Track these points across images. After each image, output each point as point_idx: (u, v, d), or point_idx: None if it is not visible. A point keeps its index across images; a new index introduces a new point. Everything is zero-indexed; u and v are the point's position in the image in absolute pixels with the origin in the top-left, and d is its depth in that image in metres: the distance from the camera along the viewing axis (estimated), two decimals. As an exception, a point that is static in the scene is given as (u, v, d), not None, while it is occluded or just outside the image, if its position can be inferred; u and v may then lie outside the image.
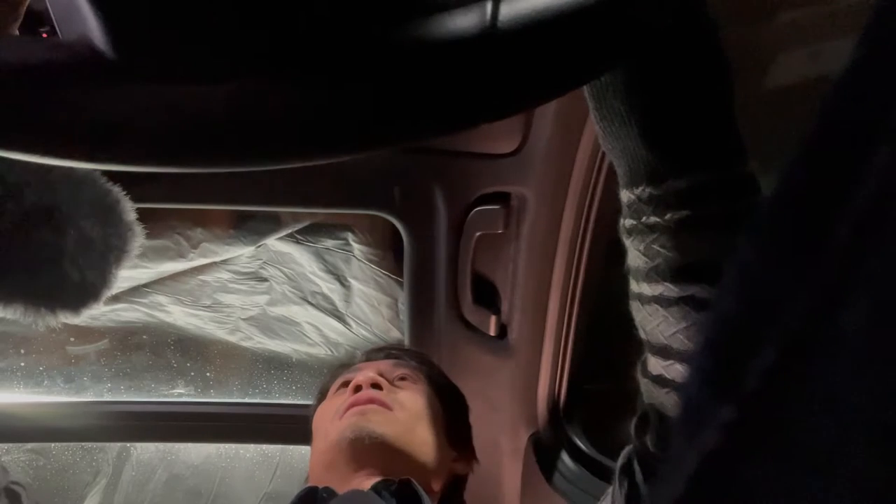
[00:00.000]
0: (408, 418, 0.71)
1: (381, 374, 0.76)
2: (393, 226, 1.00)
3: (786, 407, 0.14)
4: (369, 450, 0.66)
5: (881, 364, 0.12)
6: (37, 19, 0.38)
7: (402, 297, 1.18)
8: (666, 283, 0.41)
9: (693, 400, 0.16)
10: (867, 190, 0.13)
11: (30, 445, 1.60)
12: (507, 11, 0.27)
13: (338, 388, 0.79)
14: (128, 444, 1.71)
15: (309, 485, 0.67)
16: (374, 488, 0.63)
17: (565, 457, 1.02)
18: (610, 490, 0.49)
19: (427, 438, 0.72)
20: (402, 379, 0.79)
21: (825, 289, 0.13)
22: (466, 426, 0.84)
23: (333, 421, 0.71)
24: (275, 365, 1.47)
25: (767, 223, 0.16)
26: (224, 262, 1.33)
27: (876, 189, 0.12)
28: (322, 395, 0.83)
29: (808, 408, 0.13)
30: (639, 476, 0.45)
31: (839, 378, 0.13)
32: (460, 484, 0.80)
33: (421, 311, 1.05)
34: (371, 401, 0.71)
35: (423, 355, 0.91)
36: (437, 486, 0.72)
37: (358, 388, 0.73)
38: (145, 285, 1.34)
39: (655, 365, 0.43)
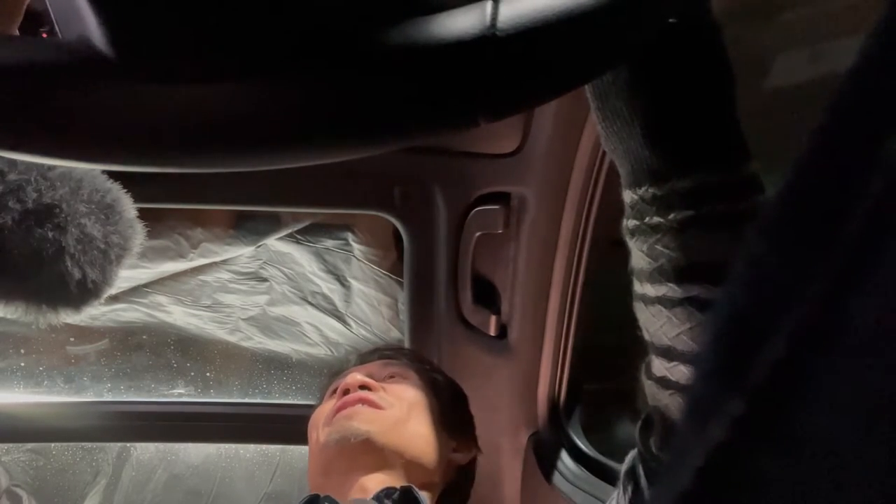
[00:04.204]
0: (398, 414, 0.71)
1: (370, 376, 0.77)
2: (393, 226, 1.00)
3: (794, 400, 0.14)
4: (357, 449, 0.67)
5: (892, 356, 0.12)
6: (37, 19, 0.38)
7: (402, 297, 1.18)
8: (670, 284, 0.40)
9: (700, 392, 0.16)
10: (878, 182, 0.13)
11: (30, 445, 1.60)
12: (506, 11, 0.27)
13: (329, 395, 0.80)
14: (128, 444, 1.71)
15: (311, 493, 0.67)
16: (376, 497, 0.63)
17: (565, 457, 1.02)
18: (614, 494, 0.49)
19: (420, 431, 0.72)
20: (392, 377, 0.79)
21: (836, 280, 0.13)
22: (465, 415, 0.84)
23: (323, 426, 0.71)
24: (275, 365, 1.47)
25: (777, 215, 0.16)
26: (224, 262, 1.33)
27: (887, 181, 0.12)
28: (320, 403, 0.83)
29: (818, 401, 0.13)
30: (643, 480, 0.45)
31: (849, 370, 0.13)
32: (466, 474, 0.80)
33: (421, 311, 1.05)
34: (359, 401, 0.71)
35: (415, 352, 0.91)
36: (435, 478, 0.73)
37: (347, 392, 0.73)
38: (145, 285, 1.34)
39: (659, 367, 0.43)
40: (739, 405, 0.14)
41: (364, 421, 0.69)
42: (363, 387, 0.74)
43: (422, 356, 0.90)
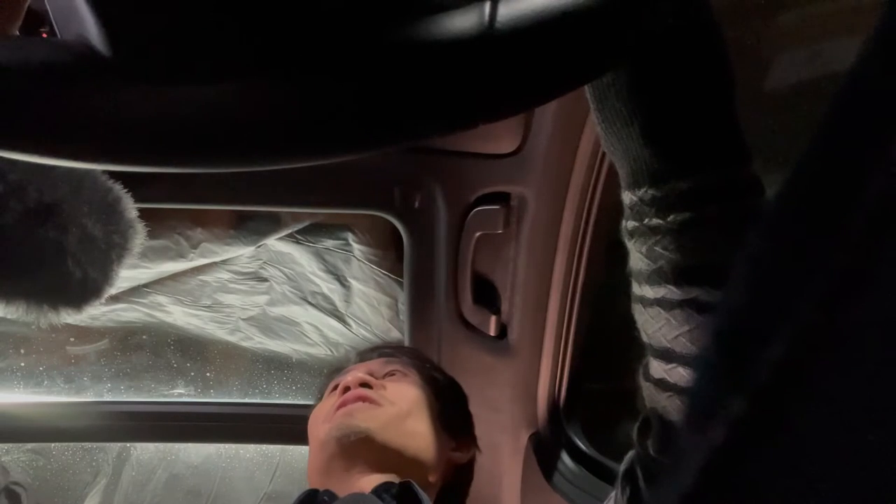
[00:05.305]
0: (396, 411, 0.71)
1: (370, 373, 0.77)
2: (393, 226, 1.00)
3: (796, 400, 0.14)
4: (356, 446, 0.67)
5: (893, 356, 0.12)
6: (37, 19, 0.38)
7: (402, 297, 1.18)
8: (668, 286, 0.40)
9: (701, 394, 0.16)
10: (878, 182, 0.12)
11: (30, 445, 1.60)
12: (505, 12, 0.27)
13: (329, 392, 0.80)
14: (128, 444, 1.71)
15: (310, 488, 0.67)
16: (375, 491, 0.63)
17: (565, 457, 1.02)
18: (612, 494, 0.49)
19: (419, 429, 0.72)
20: (392, 374, 0.79)
21: (837, 281, 0.13)
22: (464, 414, 0.84)
23: (324, 423, 0.71)
24: (275, 365, 1.47)
25: (778, 215, 0.16)
26: (224, 262, 1.33)
27: (887, 181, 0.12)
28: (319, 400, 0.83)
29: (819, 401, 0.13)
30: (641, 481, 0.45)
31: (851, 371, 0.13)
32: (465, 474, 0.80)
33: (421, 311, 1.05)
34: (359, 399, 0.71)
35: (415, 351, 0.91)
36: (434, 477, 0.72)
37: (347, 390, 0.73)
38: (145, 285, 1.34)
39: (657, 368, 0.42)
40: (741, 406, 0.14)
41: (364, 418, 0.69)
42: (364, 385, 0.74)
43: (422, 354, 0.90)
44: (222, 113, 0.28)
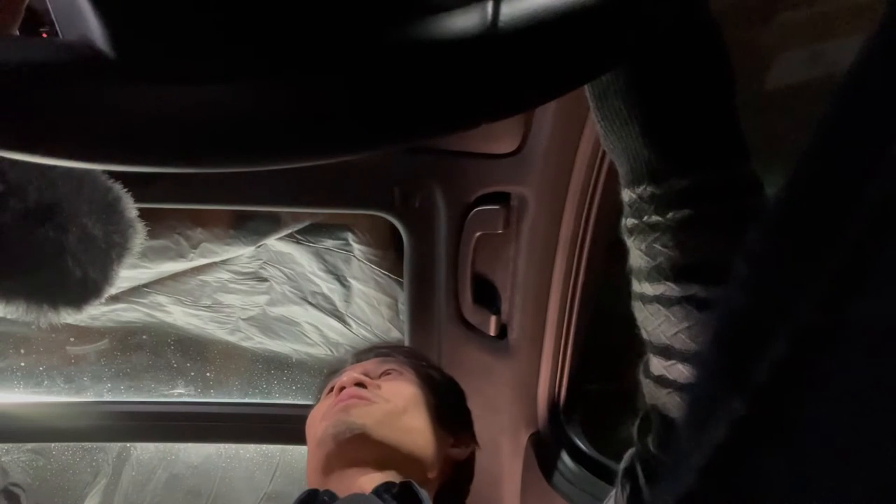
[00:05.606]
0: (391, 408, 0.71)
1: (366, 373, 0.77)
2: (393, 226, 1.00)
3: (796, 400, 0.14)
4: (352, 442, 0.67)
5: (893, 356, 0.12)
6: (37, 19, 0.38)
7: (402, 297, 1.18)
8: (668, 283, 0.41)
9: (702, 393, 0.16)
10: (881, 182, 0.13)
11: (30, 445, 1.60)
12: (507, 11, 0.27)
13: (326, 393, 0.80)
14: (128, 444, 1.71)
15: (309, 488, 0.67)
16: (376, 491, 0.63)
17: (565, 457, 1.02)
18: (612, 493, 0.49)
19: (415, 425, 0.72)
20: (388, 374, 0.79)
21: (838, 281, 0.13)
22: (462, 411, 0.84)
23: (321, 422, 0.72)
24: (275, 365, 1.47)
25: (779, 215, 0.16)
26: (224, 262, 1.33)
27: (887, 182, 0.12)
28: (317, 402, 0.83)
29: (819, 400, 0.13)
30: (641, 479, 0.45)
31: (852, 371, 0.13)
32: (464, 471, 0.80)
33: (421, 311, 1.05)
34: (354, 398, 0.71)
35: (412, 350, 0.91)
36: (432, 474, 0.73)
37: (343, 390, 0.74)
38: (145, 285, 1.34)
39: (657, 365, 0.43)
40: (741, 405, 0.14)
41: (359, 415, 0.69)
42: (359, 384, 0.74)
43: (418, 353, 0.91)
44: (224, 113, 0.28)
